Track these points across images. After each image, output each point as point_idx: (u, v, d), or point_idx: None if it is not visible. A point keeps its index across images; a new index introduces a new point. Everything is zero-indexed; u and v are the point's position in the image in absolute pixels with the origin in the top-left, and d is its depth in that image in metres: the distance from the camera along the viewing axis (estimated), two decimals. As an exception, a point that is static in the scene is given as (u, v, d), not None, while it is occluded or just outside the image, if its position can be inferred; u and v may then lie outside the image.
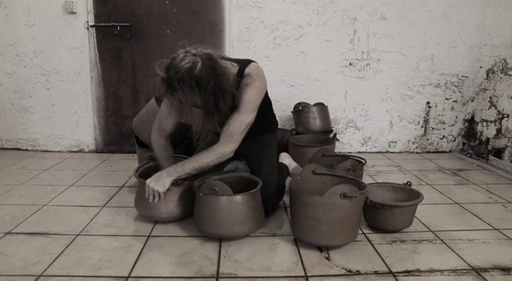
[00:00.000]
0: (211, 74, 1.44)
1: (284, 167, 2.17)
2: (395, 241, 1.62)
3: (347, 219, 1.47)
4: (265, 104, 1.80)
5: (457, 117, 3.22)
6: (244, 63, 1.66)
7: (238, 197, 1.53)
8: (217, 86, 1.46)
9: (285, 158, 2.29)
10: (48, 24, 2.87)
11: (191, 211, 1.77)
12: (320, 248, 1.54)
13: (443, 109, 3.19)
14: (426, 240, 1.64)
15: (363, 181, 1.71)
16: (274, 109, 2.05)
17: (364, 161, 2.05)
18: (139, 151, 2.34)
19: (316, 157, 2.15)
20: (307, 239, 1.53)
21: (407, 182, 1.82)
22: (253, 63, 1.68)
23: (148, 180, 1.66)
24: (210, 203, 1.53)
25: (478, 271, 1.40)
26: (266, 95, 1.78)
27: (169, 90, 1.46)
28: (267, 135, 1.93)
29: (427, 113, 3.19)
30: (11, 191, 2.16)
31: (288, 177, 2.16)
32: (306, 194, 1.52)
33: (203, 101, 1.49)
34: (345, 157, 2.12)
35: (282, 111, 3.07)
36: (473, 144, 3.13)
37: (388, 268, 1.42)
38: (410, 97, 3.14)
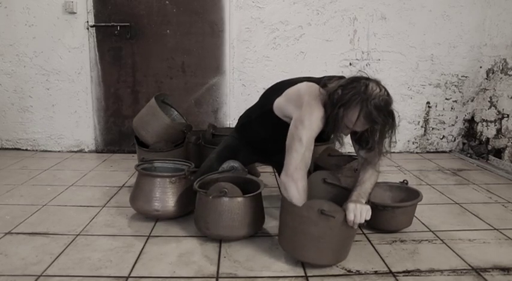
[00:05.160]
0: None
1: None
2: (395, 241, 1.62)
3: (324, 238, 1.33)
4: None
5: (457, 117, 3.22)
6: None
7: (247, 199, 1.54)
8: None
9: None
10: (48, 24, 2.87)
11: (186, 210, 1.78)
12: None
13: (443, 109, 3.19)
14: (426, 240, 1.64)
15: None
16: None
17: None
18: (139, 151, 2.33)
19: (322, 157, 2.12)
20: (283, 246, 1.46)
21: (404, 180, 1.82)
22: None
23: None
24: (219, 205, 1.52)
25: (478, 271, 1.40)
26: None
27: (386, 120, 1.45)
28: None
29: (427, 113, 3.19)
30: (11, 191, 2.16)
31: None
32: (287, 200, 1.41)
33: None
34: (350, 157, 2.06)
35: (282, 111, 3.07)
36: (473, 144, 3.13)
37: (388, 268, 1.42)
38: (410, 97, 3.14)
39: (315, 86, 1.54)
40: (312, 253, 1.37)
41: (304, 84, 1.59)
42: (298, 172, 1.43)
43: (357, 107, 1.38)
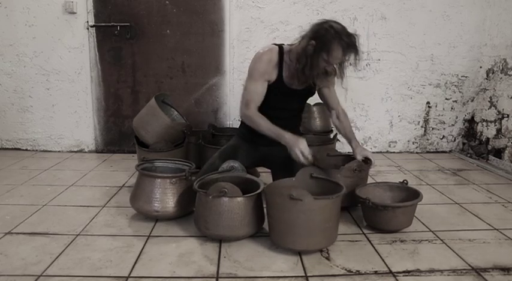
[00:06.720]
0: None
1: None
2: (395, 241, 1.62)
3: (298, 223, 1.42)
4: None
5: (457, 117, 3.22)
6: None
7: (247, 199, 1.54)
8: None
9: None
10: (48, 24, 2.87)
11: (187, 210, 1.78)
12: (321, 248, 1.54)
13: (443, 109, 3.19)
14: (426, 240, 1.64)
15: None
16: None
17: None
18: (139, 151, 2.34)
19: (321, 157, 2.12)
20: (272, 237, 1.55)
21: (404, 180, 1.82)
22: None
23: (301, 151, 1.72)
24: (219, 205, 1.52)
25: (478, 271, 1.40)
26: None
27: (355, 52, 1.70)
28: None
29: (427, 113, 3.19)
30: (11, 191, 2.16)
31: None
32: (265, 192, 1.54)
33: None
34: (349, 157, 2.05)
35: (282, 111, 3.06)
36: (473, 144, 3.13)
37: (388, 268, 1.42)
38: (410, 97, 3.14)
39: (269, 45, 1.96)
40: (289, 237, 1.45)
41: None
42: (246, 106, 1.83)
43: (337, 45, 1.65)
